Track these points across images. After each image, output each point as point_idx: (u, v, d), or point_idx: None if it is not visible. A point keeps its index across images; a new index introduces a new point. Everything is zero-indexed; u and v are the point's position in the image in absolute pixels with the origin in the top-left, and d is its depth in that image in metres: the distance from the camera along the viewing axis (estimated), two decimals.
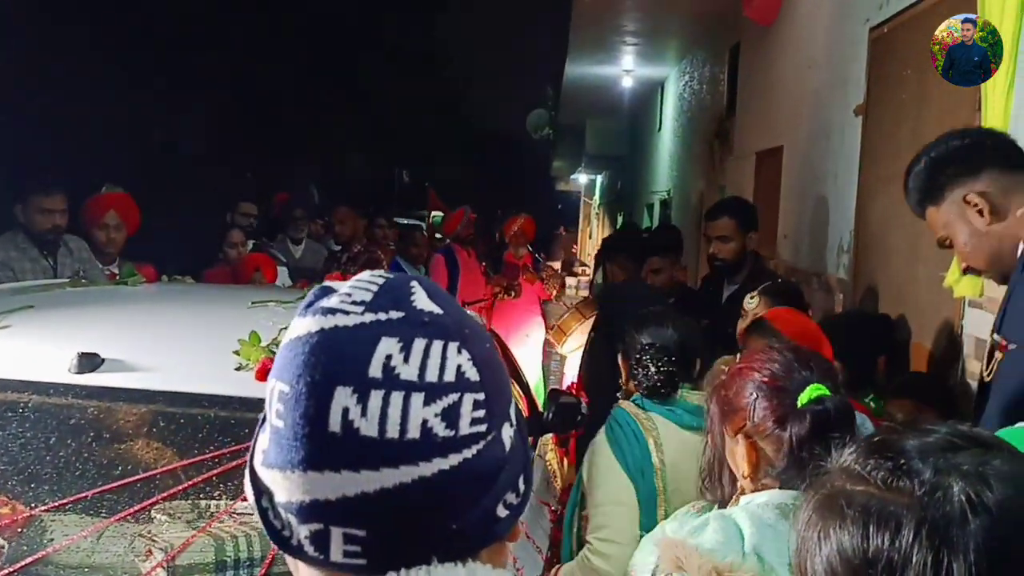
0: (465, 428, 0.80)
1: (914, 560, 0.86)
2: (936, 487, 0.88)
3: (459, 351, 0.81)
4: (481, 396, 0.82)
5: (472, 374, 0.82)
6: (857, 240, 4.82)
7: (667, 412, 2.82)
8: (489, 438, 0.82)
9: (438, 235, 8.94)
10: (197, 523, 2.12)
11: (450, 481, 0.80)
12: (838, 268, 5.17)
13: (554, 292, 7.87)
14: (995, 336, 2.17)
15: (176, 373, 2.42)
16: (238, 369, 2.43)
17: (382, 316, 0.81)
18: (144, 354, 2.47)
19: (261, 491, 0.85)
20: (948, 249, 2.35)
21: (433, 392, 0.79)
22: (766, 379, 1.83)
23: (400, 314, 0.82)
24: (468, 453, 0.80)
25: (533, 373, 6.97)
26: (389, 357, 0.79)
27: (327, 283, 0.88)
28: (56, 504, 2.08)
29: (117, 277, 3.72)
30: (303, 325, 0.83)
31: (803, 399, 1.77)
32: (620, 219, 19.11)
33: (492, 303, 7.73)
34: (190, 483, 2.17)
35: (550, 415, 4.03)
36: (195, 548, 2.02)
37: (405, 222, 17.10)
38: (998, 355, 2.13)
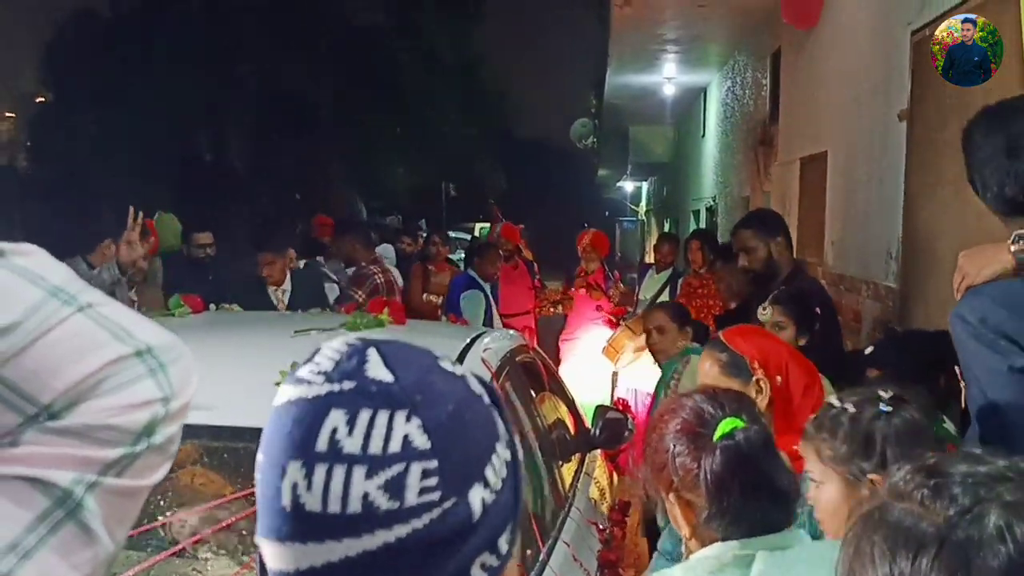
0: (412, 499, 0.80)
1: None
2: (967, 511, 0.85)
3: (407, 419, 0.81)
4: (432, 464, 0.80)
5: (421, 442, 0.80)
6: (905, 247, 4.74)
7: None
8: (446, 505, 0.81)
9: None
10: (243, 557, 2.15)
11: (398, 552, 0.79)
12: (887, 276, 5.08)
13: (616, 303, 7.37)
14: None
15: (220, 407, 2.44)
16: None
17: (336, 387, 0.82)
18: None
19: (262, 559, 0.87)
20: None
21: (375, 464, 0.79)
22: (679, 427, 1.77)
23: (352, 384, 0.82)
24: (417, 523, 0.80)
25: (602, 389, 6.73)
26: (335, 430, 0.80)
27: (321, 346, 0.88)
28: None
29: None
30: (281, 394, 0.85)
31: (717, 435, 1.71)
32: (667, 226, 19.03)
33: (537, 317, 7.69)
34: (236, 517, 2.19)
35: (597, 431, 4.02)
36: None
37: (452, 235, 17.19)
38: None
